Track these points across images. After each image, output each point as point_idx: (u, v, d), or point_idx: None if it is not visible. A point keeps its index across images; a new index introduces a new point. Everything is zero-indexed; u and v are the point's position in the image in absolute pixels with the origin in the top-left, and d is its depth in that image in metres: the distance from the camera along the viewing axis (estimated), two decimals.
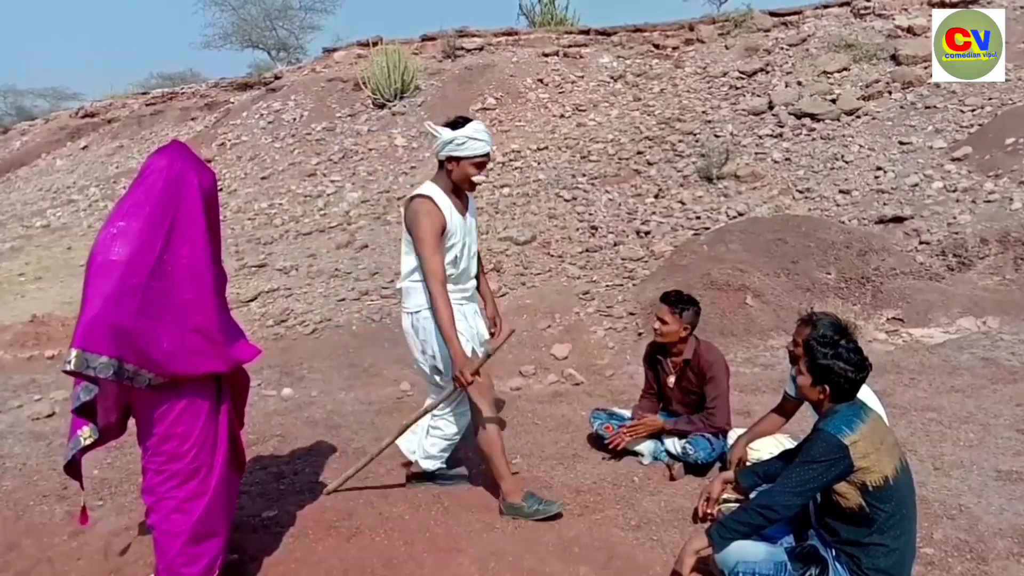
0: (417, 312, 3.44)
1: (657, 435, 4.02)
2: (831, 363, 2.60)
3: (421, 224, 3.31)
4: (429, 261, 3.28)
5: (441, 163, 3.43)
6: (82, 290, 2.55)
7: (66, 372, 2.52)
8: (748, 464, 3.47)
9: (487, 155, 3.38)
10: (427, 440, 3.72)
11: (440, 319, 3.27)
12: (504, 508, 3.48)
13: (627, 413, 4.23)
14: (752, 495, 3.08)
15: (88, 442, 2.71)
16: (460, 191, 3.47)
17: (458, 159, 3.36)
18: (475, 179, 3.42)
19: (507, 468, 3.51)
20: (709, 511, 3.18)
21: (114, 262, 2.49)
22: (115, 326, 2.46)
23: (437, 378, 3.54)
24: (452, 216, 3.39)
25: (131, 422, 2.81)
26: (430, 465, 3.75)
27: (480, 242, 8.63)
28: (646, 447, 4.01)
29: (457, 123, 3.38)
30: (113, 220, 2.58)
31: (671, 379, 4.05)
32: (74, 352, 2.46)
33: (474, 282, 3.66)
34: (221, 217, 10.14)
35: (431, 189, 3.40)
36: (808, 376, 2.68)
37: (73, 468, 2.80)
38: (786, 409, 3.56)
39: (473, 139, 3.33)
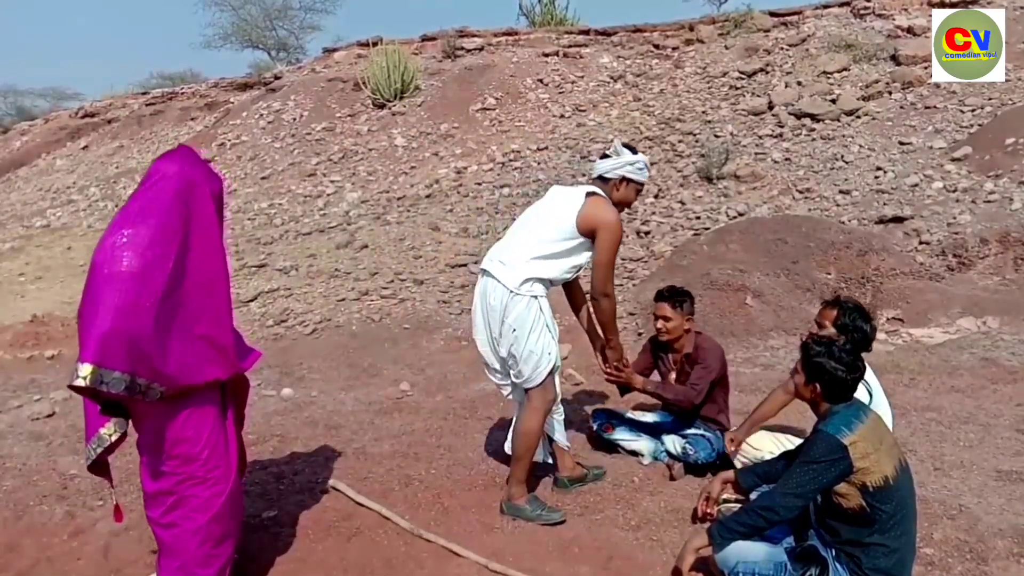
0: (516, 295, 3.31)
1: (656, 435, 4.03)
2: (823, 361, 2.61)
3: (619, 230, 3.40)
4: (610, 267, 3.46)
5: (604, 179, 3.50)
6: (86, 299, 2.46)
7: (73, 387, 2.40)
8: (747, 463, 3.48)
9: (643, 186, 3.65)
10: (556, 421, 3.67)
11: (612, 320, 3.60)
12: (505, 508, 3.47)
13: (628, 413, 4.23)
14: (753, 495, 3.09)
15: (114, 438, 2.62)
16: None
17: (630, 181, 3.49)
18: (633, 203, 3.72)
19: (526, 475, 3.50)
20: (708, 510, 3.19)
21: (123, 273, 2.42)
22: (130, 340, 2.39)
23: (497, 365, 3.48)
24: None
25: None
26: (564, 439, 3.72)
27: (480, 243, 8.61)
28: (646, 447, 4.01)
29: (631, 148, 3.54)
30: (119, 226, 2.51)
31: (672, 375, 4.05)
32: (88, 367, 2.36)
33: None
34: None
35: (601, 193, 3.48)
36: (802, 374, 2.70)
37: (99, 467, 2.75)
38: (788, 391, 3.55)
39: (647, 166, 3.56)
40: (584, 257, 3.45)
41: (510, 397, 3.65)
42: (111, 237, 2.49)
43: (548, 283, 3.43)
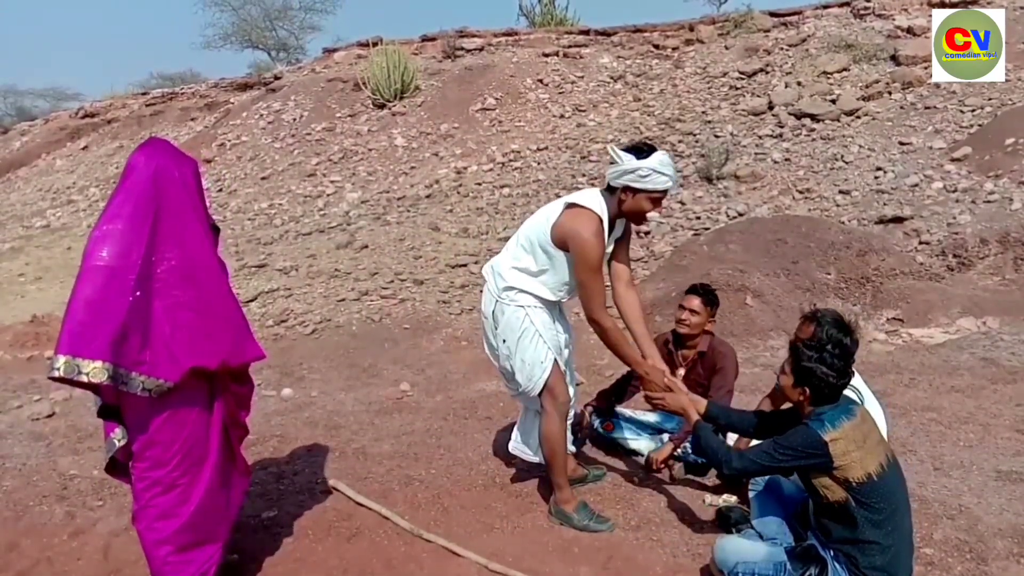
0: (501, 302, 3.24)
1: (657, 434, 4.03)
2: (814, 367, 2.59)
3: (591, 246, 3.04)
4: (596, 287, 3.09)
5: (612, 188, 3.15)
6: (71, 294, 2.52)
7: (52, 379, 2.46)
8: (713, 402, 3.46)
9: (667, 191, 3.15)
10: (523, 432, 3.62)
11: (618, 345, 3.21)
12: (553, 512, 3.42)
13: (628, 412, 4.23)
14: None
15: (121, 443, 2.68)
16: (617, 218, 3.21)
17: (635, 191, 3.09)
18: (649, 214, 3.19)
19: (566, 477, 3.42)
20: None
21: (100, 267, 2.47)
22: (105, 331, 2.42)
23: (504, 372, 3.42)
24: (606, 243, 3.19)
25: None
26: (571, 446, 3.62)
27: (480, 243, 8.58)
28: (646, 446, 4.01)
29: (641, 150, 3.10)
30: (100, 224, 2.56)
31: (680, 372, 4.05)
32: (62, 359, 2.41)
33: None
34: (221, 217, 10.05)
35: (601, 208, 3.11)
36: (790, 376, 2.67)
37: (115, 469, 2.80)
38: (774, 401, 3.56)
39: (658, 172, 3.05)
40: (555, 266, 3.19)
41: (517, 398, 3.59)
42: (93, 233, 2.55)
43: (538, 298, 3.23)
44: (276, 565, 3.14)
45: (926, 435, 4.13)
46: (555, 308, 3.37)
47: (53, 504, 3.75)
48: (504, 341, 3.26)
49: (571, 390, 3.50)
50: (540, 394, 3.29)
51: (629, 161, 3.07)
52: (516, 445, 3.68)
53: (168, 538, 2.67)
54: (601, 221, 3.09)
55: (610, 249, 3.30)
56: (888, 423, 3.39)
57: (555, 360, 3.26)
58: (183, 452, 2.66)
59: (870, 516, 2.52)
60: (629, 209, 3.15)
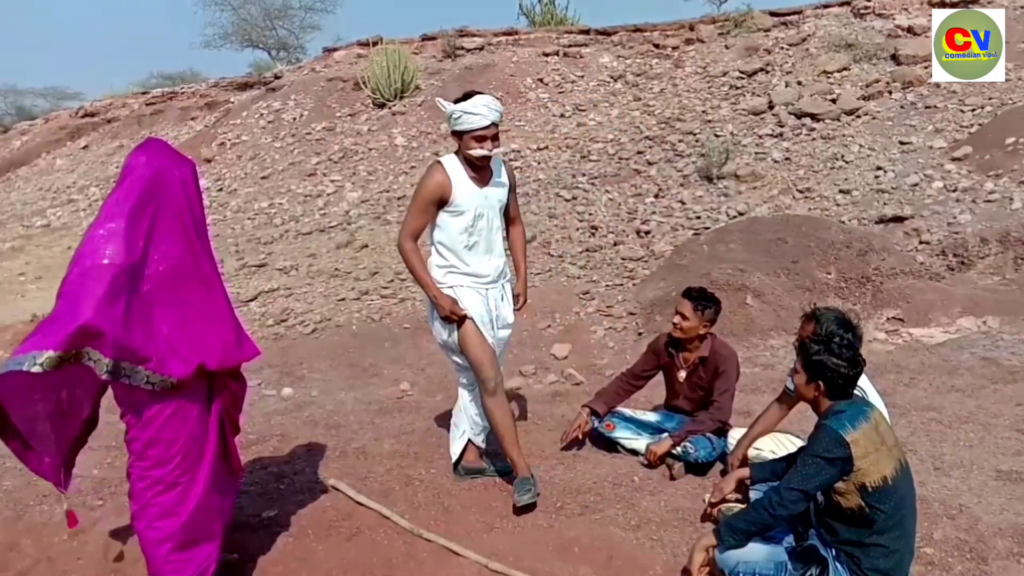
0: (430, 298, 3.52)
1: (657, 434, 4.03)
2: (824, 359, 2.61)
3: (420, 184, 3.43)
4: (408, 218, 3.45)
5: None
6: (63, 290, 2.46)
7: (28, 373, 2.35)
8: (752, 463, 3.47)
9: (489, 127, 3.30)
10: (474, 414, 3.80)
11: (411, 268, 3.44)
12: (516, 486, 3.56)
13: (629, 411, 4.23)
14: (753, 494, 3.09)
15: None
16: (478, 166, 3.43)
17: (460, 133, 3.36)
18: (475, 152, 3.33)
19: (517, 448, 3.54)
20: (715, 502, 3.19)
21: (106, 266, 2.47)
22: (106, 329, 2.42)
23: (458, 359, 3.62)
24: (462, 185, 3.39)
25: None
26: (479, 440, 3.84)
27: None
28: (645, 446, 4.01)
29: (462, 99, 3.37)
30: (101, 222, 2.55)
31: (681, 373, 4.04)
32: (51, 354, 2.33)
33: (499, 265, 3.58)
34: (221, 217, 10.04)
35: (447, 157, 3.49)
36: (803, 374, 2.68)
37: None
38: (784, 404, 3.56)
39: (469, 113, 3.29)
40: (439, 226, 3.47)
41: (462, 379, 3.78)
42: (94, 231, 2.54)
43: (461, 274, 3.47)
44: (276, 564, 3.14)
45: (926, 435, 4.13)
46: (485, 288, 3.53)
47: (53, 504, 3.75)
48: (443, 325, 3.51)
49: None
50: (468, 358, 3.48)
51: (448, 108, 3.38)
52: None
53: (169, 536, 2.67)
54: (441, 164, 3.43)
55: (495, 198, 3.52)
56: (889, 419, 3.40)
57: (477, 325, 3.45)
58: (184, 450, 2.67)
59: (880, 521, 2.51)
60: (464, 152, 3.40)
